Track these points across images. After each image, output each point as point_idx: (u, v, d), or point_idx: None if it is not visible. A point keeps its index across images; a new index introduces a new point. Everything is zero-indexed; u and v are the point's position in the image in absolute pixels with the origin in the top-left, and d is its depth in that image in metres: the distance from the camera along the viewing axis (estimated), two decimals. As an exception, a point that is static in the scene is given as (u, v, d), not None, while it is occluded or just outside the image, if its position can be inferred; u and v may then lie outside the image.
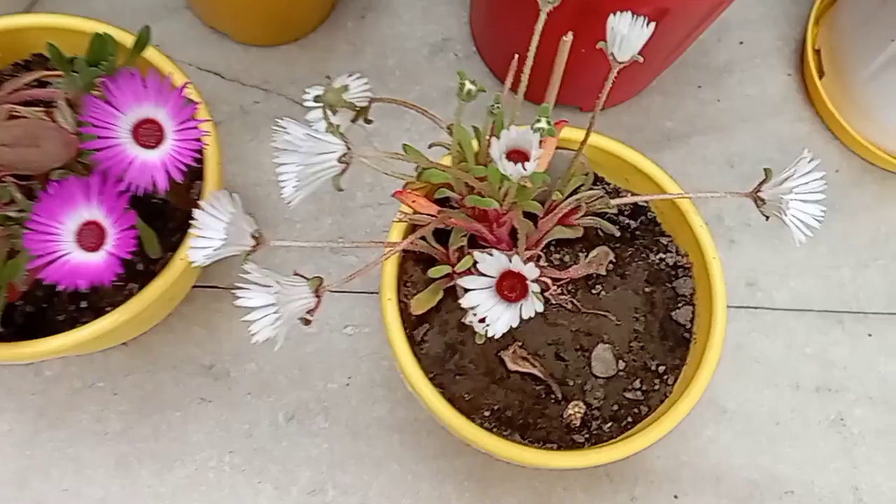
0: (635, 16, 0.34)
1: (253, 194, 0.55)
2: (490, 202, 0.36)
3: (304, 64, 0.59)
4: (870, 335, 0.55)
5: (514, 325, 0.28)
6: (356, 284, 0.54)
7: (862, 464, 0.51)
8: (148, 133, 0.35)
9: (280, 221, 0.54)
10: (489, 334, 0.28)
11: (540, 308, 0.28)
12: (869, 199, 0.59)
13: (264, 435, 0.49)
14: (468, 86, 0.32)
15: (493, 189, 0.37)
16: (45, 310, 0.40)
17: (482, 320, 0.28)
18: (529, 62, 0.36)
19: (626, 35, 0.33)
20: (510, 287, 0.29)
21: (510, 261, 0.28)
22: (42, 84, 0.43)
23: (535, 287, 0.28)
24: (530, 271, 0.28)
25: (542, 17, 0.35)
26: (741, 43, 0.62)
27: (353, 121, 0.41)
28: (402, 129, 0.57)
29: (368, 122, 0.41)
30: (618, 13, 0.34)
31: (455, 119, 0.39)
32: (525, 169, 0.28)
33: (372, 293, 0.53)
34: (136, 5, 0.58)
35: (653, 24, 0.34)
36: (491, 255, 0.28)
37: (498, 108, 0.36)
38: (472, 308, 0.28)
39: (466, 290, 0.29)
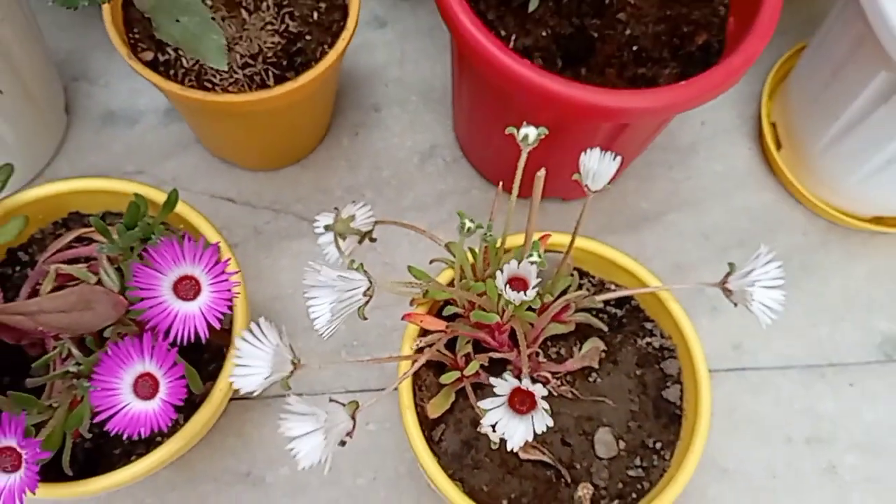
0: (603, 152, 0.40)
1: (272, 307, 0.60)
2: (492, 317, 0.41)
3: (307, 183, 0.64)
4: (851, 385, 0.59)
5: (530, 439, 0.33)
6: (374, 382, 0.58)
7: (857, 508, 0.55)
8: (186, 287, 0.40)
9: (299, 331, 0.59)
10: (509, 447, 0.33)
11: (550, 423, 0.33)
12: (836, 257, 0.64)
13: (303, 535, 0.53)
14: (468, 224, 0.38)
15: (493, 303, 0.42)
16: (102, 445, 0.45)
17: (494, 428, 0.33)
18: (518, 175, 0.41)
19: (598, 170, 0.39)
20: (521, 401, 0.34)
21: (521, 381, 0.33)
22: (81, 240, 0.49)
23: (544, 404, 0.33)
24: (538, 390, 0.33)
25: (524, 155, 0.41)
26: (703, 123, 0.68)
27: (360, 242, 0.47)
28: (403, 234, 0.62)
29: (373, 240, 0.47)
30: (587, 150, 0.40)
31: (458, 246, 0.44)
32: (526, 295, 0.33)
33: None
34: (151, 145, 0.64)
35: (619, 158, 0.39)
36: (505, 380, 0.33)
37: (491, 236, 0.41)
38: (493, 425, 0.33)
39: (486, 411, 0.34)
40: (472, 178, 0.65)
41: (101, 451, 0.45)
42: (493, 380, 0.34)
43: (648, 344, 0.49)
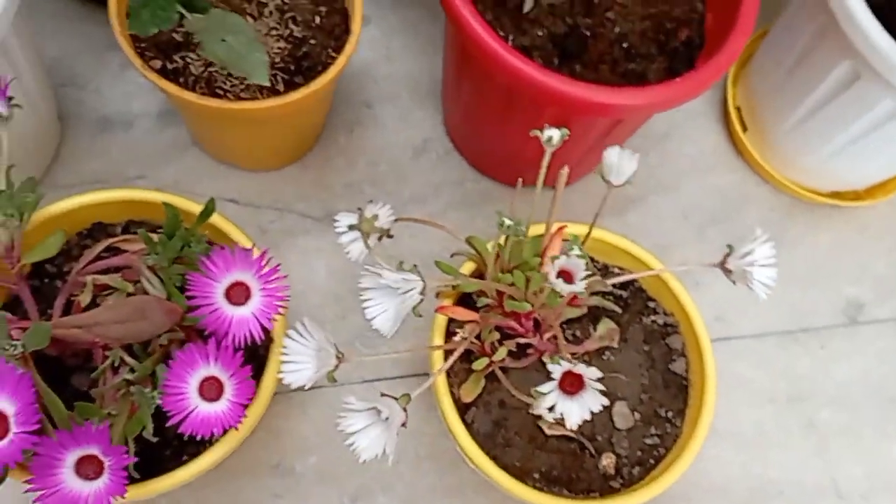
0: (622, 149, 0.43)
1: (283, 305, 0.62)
2: (525, 305, 0.44)
3: (307, 181, 0.66)
4: (822, 347, 0.65)
5: (588, 418, 0.36)
6: (388, 371, 0.61)
7: (834, 458, 0.61)
8: (238, 293, 0.41)
9: (312, 326, 0.61)
10: (568, 427, 0.36)
11: (605, 402, 0.36)
12: (801, 230, 0.69)
13: (335, 520, 0.56)
14: (507, 222, 0.41)
15: (522, 292, 0.45)
16: (152, 448, 0.46)
17: (551, 409, 0.36)
18: (543, 173, 0.44)
19: (619, 165, 0.43)
20: (570, 383, 0.37)
21: (573, 365, 0.37)
22: (107, 249, 0.50)
23: (596, 385, 0.36)
24: (591, 373, 0.36)
25: (548, 155, 0.44)
26: (675, 110, 0.72)
27: (380, 239, 0.49)
28: (403, 226, 0.65)
29: (390, 236, 0.49)
30: (609, 148, 0.43)
31: (481, 241, 0.47)
32: (575, 286, 0.37)
33: (405, 377, 0.60)
34: (149, 150, 0.65)
35: (637, 155, 0.43)
36: (559, 363, 0.36)
37: (523, 231, 0.44)
38: (551, 408, 0.36)
39: (542, 394, 0.37)
40: (464, 171, 0.68)
41: (151, 454, 0.46)
42: (549, 366, 0.37)
43: (653, 322, 0.53)
